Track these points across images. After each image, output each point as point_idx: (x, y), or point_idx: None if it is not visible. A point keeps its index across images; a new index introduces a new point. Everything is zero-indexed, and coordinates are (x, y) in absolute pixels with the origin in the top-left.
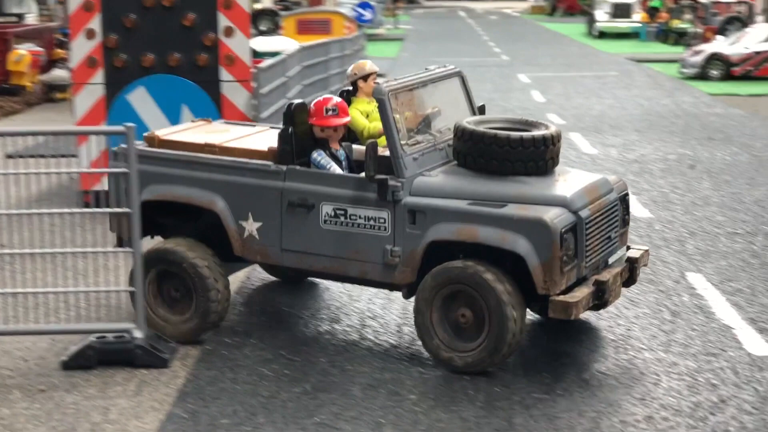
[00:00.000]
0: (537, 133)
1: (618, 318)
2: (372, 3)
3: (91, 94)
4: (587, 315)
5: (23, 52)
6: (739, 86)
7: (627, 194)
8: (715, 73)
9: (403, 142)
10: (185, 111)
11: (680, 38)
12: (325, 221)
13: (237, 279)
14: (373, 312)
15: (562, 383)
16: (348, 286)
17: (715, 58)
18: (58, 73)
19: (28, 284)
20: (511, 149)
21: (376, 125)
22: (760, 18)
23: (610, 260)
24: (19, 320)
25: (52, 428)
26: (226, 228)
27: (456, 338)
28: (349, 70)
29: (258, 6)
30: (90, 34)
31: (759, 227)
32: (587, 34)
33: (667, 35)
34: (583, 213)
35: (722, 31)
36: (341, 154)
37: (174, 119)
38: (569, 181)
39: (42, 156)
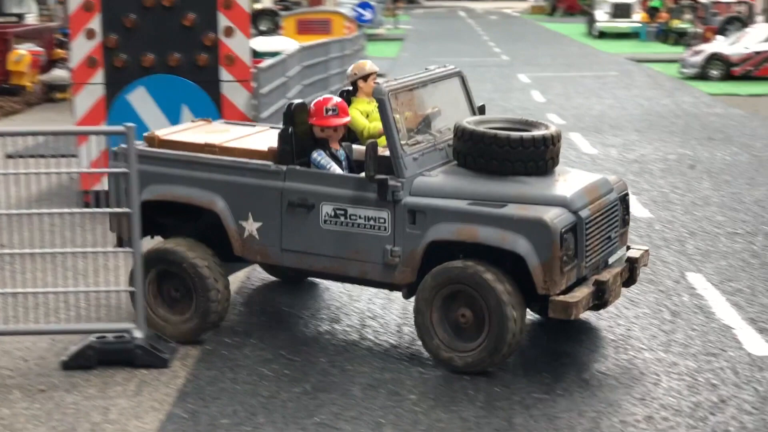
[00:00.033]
0: (537, 133)
1: (618, 318)
2: (372, 3)
3: (91, 94)
4: (587, 315)
5: (23, 52)
6: (739, 86)
7: (627, 194)
8: (715, 73)
9: (403, 142)
10: (185, 111)
11: (680, 38)
12: (325, 221)
13: (237, 279)
14: (373, 312)
15: (562, 383)
16: (348, 286)
17: (715, 58)
18: (58, 73)
19: (28, 284)
20: (511, 149)
21: (376, 125)
22: (760, 18)
23: (610, 260)
24: (19, 320)
25: (52, 428)
26: (226, 228)
27: (456, 338)
28: (349, 70)
29: (258, 6)
30: (90, 34)
31: (759, 227)
32: (587, 34)
33: (667, 35)
34: (583, 213)
35: (722, 31)
36: (341, 154)
37: (174, 119)
38: (569, 181)
39: (42, 156)
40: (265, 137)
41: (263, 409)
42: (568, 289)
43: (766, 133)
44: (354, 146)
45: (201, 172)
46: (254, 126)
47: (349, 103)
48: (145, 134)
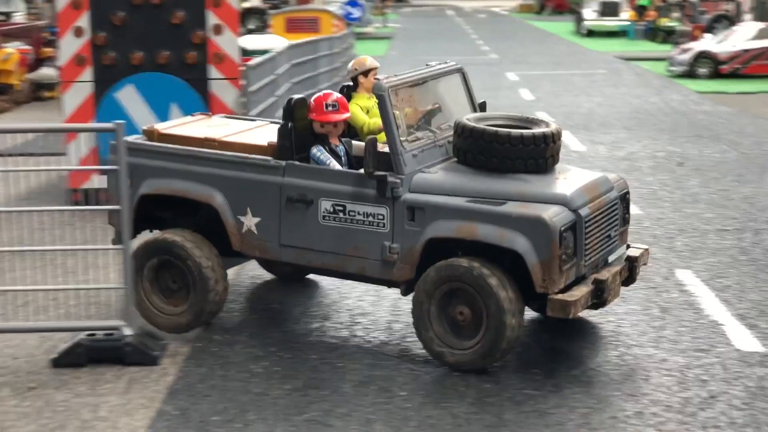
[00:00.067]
0: (537, 130)
1: (608, 315)
2: (360, 1)
3: (79, 92)
4: (582, 313)
5: (11, 50)
6: (727, 84)
7: (627, 193)
8: (703, 71)
9: (402, 139)
10: (174, 109)
11: (668, 36)
12: (324, 217)
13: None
14: (363, 309)
15: (553, 379)
16: (338, 283)
17: (703, 56)
18: (46, 72)
19: (18, 282)
20: (512, 147)
21: (376, 121)
22: (747, 16)
23: (610, 259)
24: (8, 318)
25: (42, 426)
26: (224, 223)
27: (451, 334)
28: (350, 65)
29: (246, 4)
30: (78, 32)
31: (747, 224)
32: (575, 32)
33: (655, 33)
34: (583, 211)
35: (710, 29)
36: (341, 149)
37: (163, 117)
38: (569, 179)
39: (31, 154)
40: (264, 132)
41: (254, 407)
42: (567, 288)
43: (754, 131)
44: (354, 142)
45: (200, 167)
46: (254, 121)
47: (349, 98)
48: (145, 128)
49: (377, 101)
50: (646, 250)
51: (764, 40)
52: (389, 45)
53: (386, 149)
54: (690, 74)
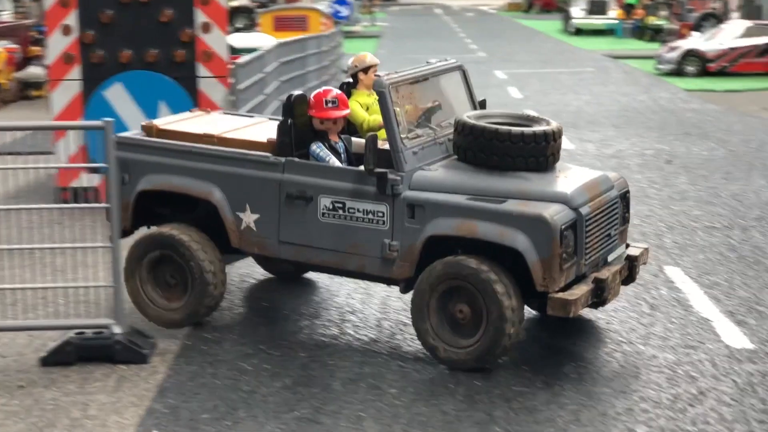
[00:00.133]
0: (538, 128)
1: (597, 312)
2: (348, 0)
3: (67, 90)
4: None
5: None
6: (714, 82)
7: (627, 191)
8: (690, 69)
9: (403, 136)
10: (162, 107)
11: (656, 35)
12: (323, 214)
13: None
14: (353, 307)
15: (543, 376)
16: (327, 280)
17: (690, 54)
18: (34, 71)
19: (6, 280)
20: (512, 144)
21: (376, 118)
22: (735, 14)
23: (610, 258)
24: None
25: (32, 424)
26: (223, 219)
27: (448, 330)
28: (350, 62)
29: (234, 3)
30: (66, 30)
31: (735, 221)
32: (563, 30)
33: (643, 32)
34: (584, 210)
35: (698, 27)
36: (340, 146)
37: (151, 115)
38: (570, 177)
39: (19, 153)
40: (264, 128)
41: (244, 404)
42: (567, 287)
43: (741, 129)
44: (353, 139)
45: (199, 163)
46: (253, 117)
47: (349, 95)
48: (143, 123)
49: (377, 98)
50: (646, 249)
51: (752, 38)
52: (377, 44)
53: (386, 146)
54: (678, 72)
